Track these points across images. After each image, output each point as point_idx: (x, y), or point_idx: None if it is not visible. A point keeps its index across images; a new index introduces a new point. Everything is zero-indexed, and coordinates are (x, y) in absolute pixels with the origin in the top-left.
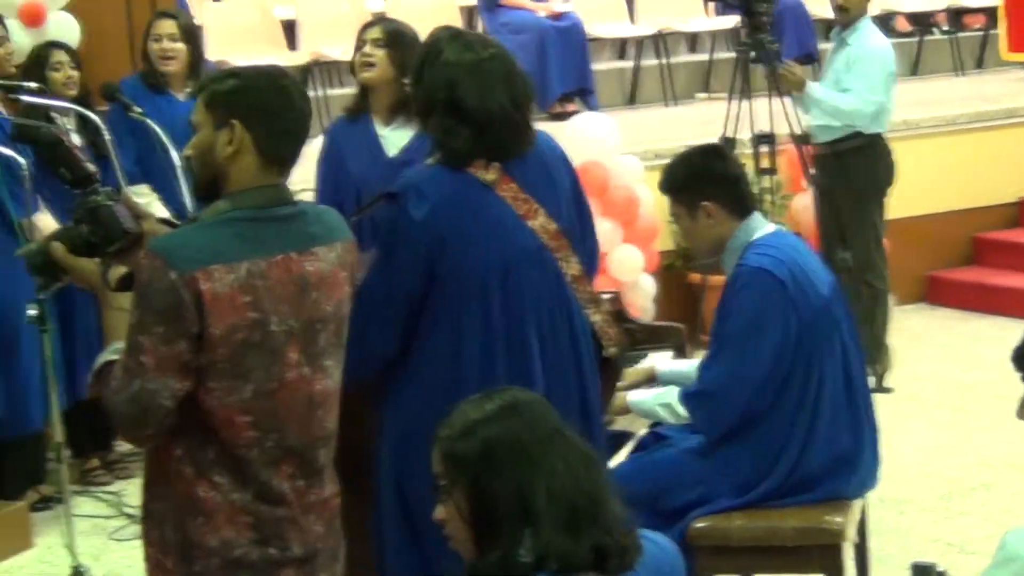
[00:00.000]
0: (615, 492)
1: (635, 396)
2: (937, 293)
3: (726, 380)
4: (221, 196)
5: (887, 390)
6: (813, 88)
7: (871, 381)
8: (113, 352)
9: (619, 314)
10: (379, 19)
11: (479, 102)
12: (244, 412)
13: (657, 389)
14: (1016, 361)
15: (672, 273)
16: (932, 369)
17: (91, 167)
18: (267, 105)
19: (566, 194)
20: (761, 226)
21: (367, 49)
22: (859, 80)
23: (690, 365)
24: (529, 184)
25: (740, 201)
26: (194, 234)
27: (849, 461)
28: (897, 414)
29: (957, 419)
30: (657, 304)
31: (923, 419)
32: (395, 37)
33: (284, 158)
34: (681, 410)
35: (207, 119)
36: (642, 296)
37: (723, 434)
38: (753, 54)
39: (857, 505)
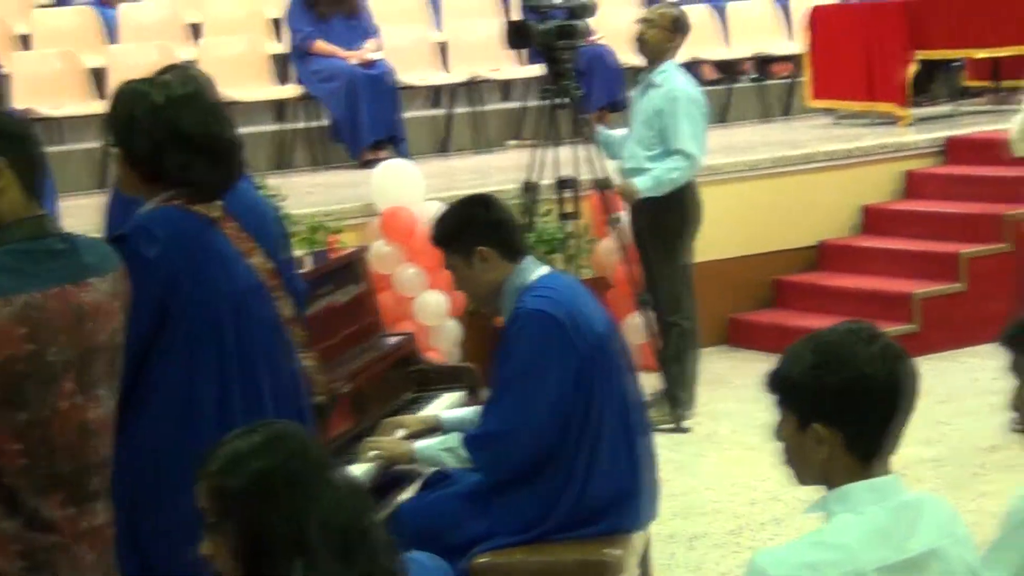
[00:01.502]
0: (379, 519)
1: (420, 444)
2: (738, 335)
3: (508, 422)
4: None
5: (686, 430)
6: (644, 183)
7: (671, 423)
8: None
9: (411, 356)
10: (173, 66)
11: (207, 130)
12: (16, 439)
13: (441, 436)
14: (768, 386)
15: (476, 317)
16: (729, 408)
17: None
18: (21, 137)
19: (278, 241)
20: (536, 268)
21: None
22: (683, 138)
23: (473, 411)
24: (246, 222)
25: (512, 245)
26: None
27: (629, 495)
28: (693, 452)
29: (750, 457)
30: (462, 348)
31: (718, 457)
32: None
33: (40, 187)
34: (464, 453)
35: None
36: (446, 341)
37: (506, 474)
38: (558, 100)
39: (638, 538)
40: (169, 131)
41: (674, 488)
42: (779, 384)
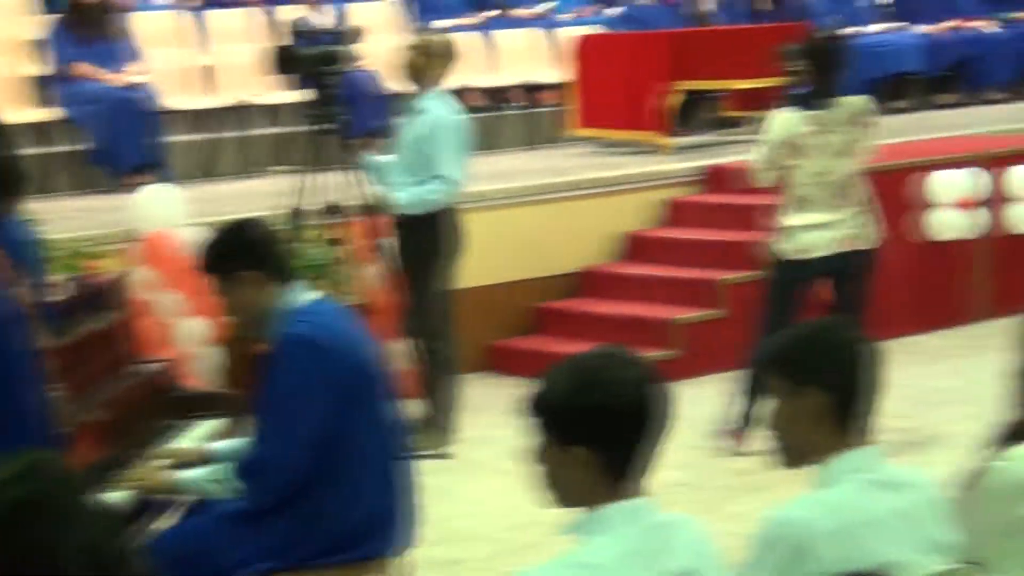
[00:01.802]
0: (135, 545)
1: (184, 474)
2: (500, 362)
3: (274, 448)
4: None
5: (447, 456)
6: (401, 199)
7: (432, 448)
8: None
9: (169, 383)
10: None
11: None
12: None
13: (207, 467)
14: (527, 409)
15: (238, 344)
16: (490, 435)
17: None
18: None
19: (36, 273)
20: (302, 293)
21: None
22: (443, 164)
23: (242, 441)
24: (10, 252)
25: (280, 269)
26: None
27: (387, 521)
28: (454, 479)
29: (511, 482)
30: (223, 375)
31: (478, 483)
32: None
33: None
34: (235, 483)
35: None
36: (207, 367)
37: (272, 500)
38: (324, 126)
39: (397, 564)
40: None
41: (434, 514)
42: (538, 407)
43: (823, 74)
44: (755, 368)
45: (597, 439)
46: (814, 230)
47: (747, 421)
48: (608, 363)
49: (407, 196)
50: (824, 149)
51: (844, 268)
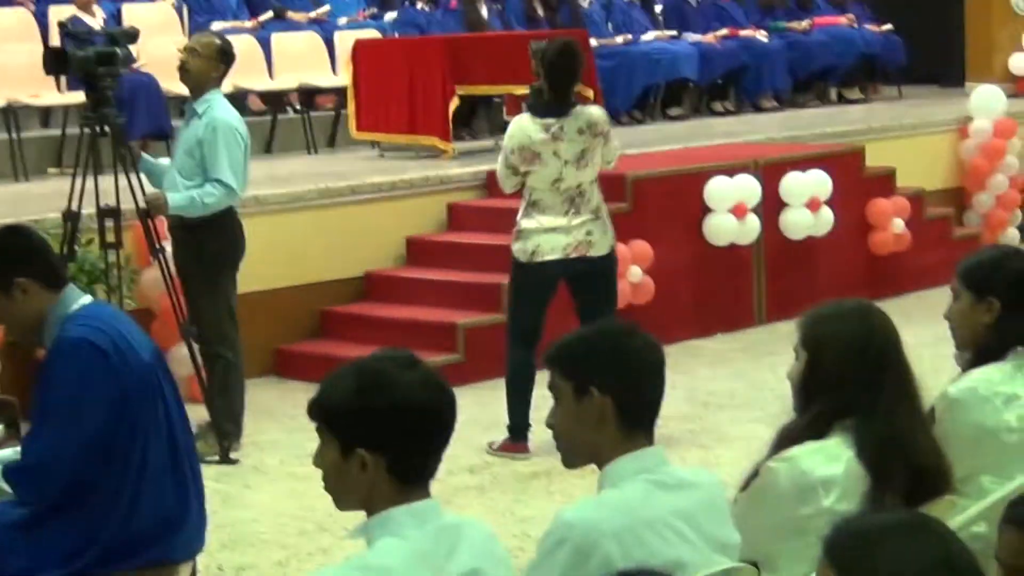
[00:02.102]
0: None
1: None
2: (286, 366)
3: (51, 452)
4: None
5: (233, 462)
6: (174, 200)
7: (217, 454)
8: None
9: None
10: None
11: None
12: None
13: None
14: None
15: (15, 348)
16: (277, 439)
17: None
18: None
19: None
20: (77, 298)
21: None
22: (222, 168)
23: (13, 451)
24: None
25: (53, 274)
26: None
27: (175, 524)
28: (241, 484)
29: (299, 487)
30: (2, 379)
31: (266, 488)
32: None
33: None
34: (4, 486)
35: None
36: None
37: (49, 506)
38: (99, 128)
39: (184, 568)
40: None
41: (222, 519)
42: (321, 410)
43: (556, 82)
44: (524, 371)
45: (381, 442)
46: (546, 234)
47: (523, 426)
48: (392, 365)
49: (183, 199)
50: (557, 156)
51: (578, 274)
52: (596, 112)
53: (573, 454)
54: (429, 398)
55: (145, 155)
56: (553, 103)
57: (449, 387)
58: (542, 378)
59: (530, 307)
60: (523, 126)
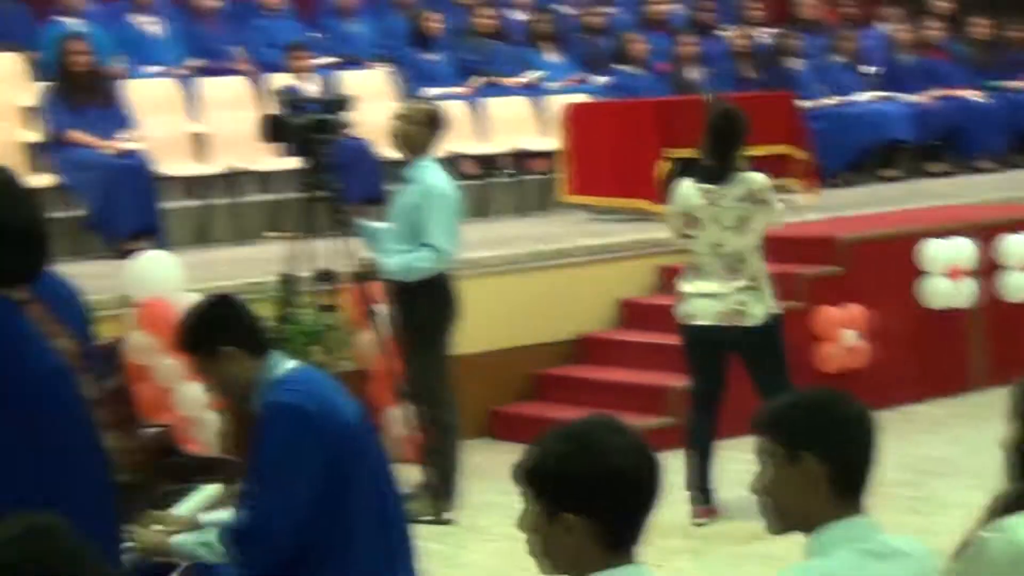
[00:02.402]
0: None
1: (179, 538)
2: (500, 428)
3: (263, 517)
4: None
5: (448, 522)
6: (388, 265)
7: (433, 515)
8: None
9: (169, 447)
10: None
11: (12, 217)
12: None
13: (198, 532)
14: (516, 476)
15: (238, 408)
16: (492, 500)
17: None
18: None
19: (81, 325)
20: (283, 363)
21: None
22: (434, 232)
23: (232, 514)
24: (52, 306)
25: (257, 341)
26: None
27: None
28: (456, 544)
29: (512, 548)
30: (225, 439)
31: (480, 549)
32: None
33: None
34: (222, 548)
35: None
36: (206, 432)
37: (263, 569)
38: (316, 193)
39: None
40: None
41: None
42: (527, 474)
43: (717, 148)
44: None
45: (587, 507)
46: (701, 299)
47: (704, 489)
48: (598, 431)
49: (397, 264)
50: (717, 222)
51: (735, 343)
52: (758, 179)
53: (781, 520)
54: (635, 464)
55: (360, 220)
56: (715, 168)
57: (654, 453)
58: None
59: (698, 370)
60: (684, 191)
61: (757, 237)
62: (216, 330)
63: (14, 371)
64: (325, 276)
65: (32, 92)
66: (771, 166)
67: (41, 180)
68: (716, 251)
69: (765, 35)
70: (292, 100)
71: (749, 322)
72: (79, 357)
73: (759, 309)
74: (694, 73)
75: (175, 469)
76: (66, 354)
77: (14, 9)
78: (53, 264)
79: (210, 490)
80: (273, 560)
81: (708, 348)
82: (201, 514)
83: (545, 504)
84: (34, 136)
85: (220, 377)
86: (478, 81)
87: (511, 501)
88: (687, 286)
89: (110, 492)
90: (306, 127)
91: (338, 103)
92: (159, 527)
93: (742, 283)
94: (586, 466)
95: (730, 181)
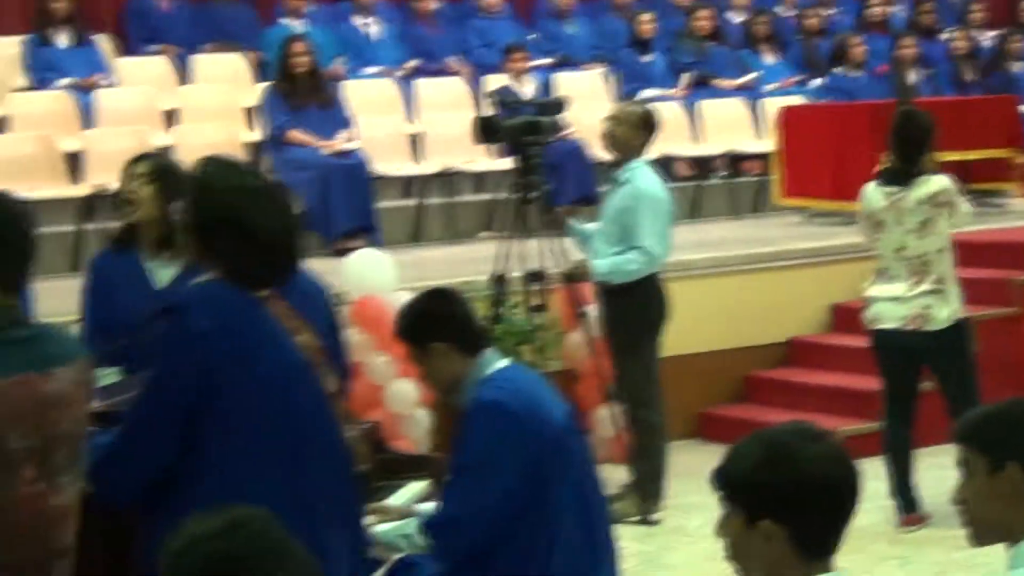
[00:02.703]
0: None
1: (379, 528)
2: (709, 429)
3: (462, 508)
4: None
5: (654, 523)
6: (598, 267)
7: (638, 515)
8: None
9: (377, 445)
10: (146, 154)
11: (267, 226)
12: None
13: (397, 522)
14: (714, 482)
15: (448, 406)
16: (698, 502)
17: None
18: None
19: (326, 318)
20: (495, 361)
21: (134, 185)
22: (644, 235)
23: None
24: (295, 302)
25: (471, 339)
26: None
27: None
28: (661, 545)
29: (717, 549)
30: (434, 436)
31: (686, 550)
32: (162, 172)
33: (18, 281)
34: (420, 540)
35: None
36: (417, 429)
37: (461, 562)
38: (527, 194)
39: None
40: (230, 217)
41: None
42: (726, 480)
43: (902, 150)
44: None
45: (786, 514)
46: (886, 303)
47: (907, 497)
48: (796, 438)
49: (607, 266)
50: (900, 225)
51: (920, 348)
52: (940, 182)
53: (983, 532)
54: (832, 472)
55: (572, 221)
56: (899, 171)
57: (852, 461)
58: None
59: (887, 375)
60: (869, 193)
61: (942, 240)
62: (431, 325)
63: (249, 369)
64: (536, 276)
65: (255, 93)
66: (990, 170)
67: None
68: (900, 254)
69: (987, 38)
70: (506, 102)
71: (933, 326)
72: (320, 352)
73: (944, 313)
74: (913, 76)
75: (383, 466)
76: (307, 349)
77: (240, 12)
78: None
79: (417, 487)
80: (464, 553)
81: (895, 352)
82: (415, 505)
83: (744, 511)
84: (256, 136)
85: (431, 370)
86: (693, 82)
87: (714, 503)
88: (873, 290)
89: (351, 483)
90: (518, 129)
91: (553, 106)
92: (375, 518)
93: (927, 286)
94: (783, 474)
95: (913, 184)
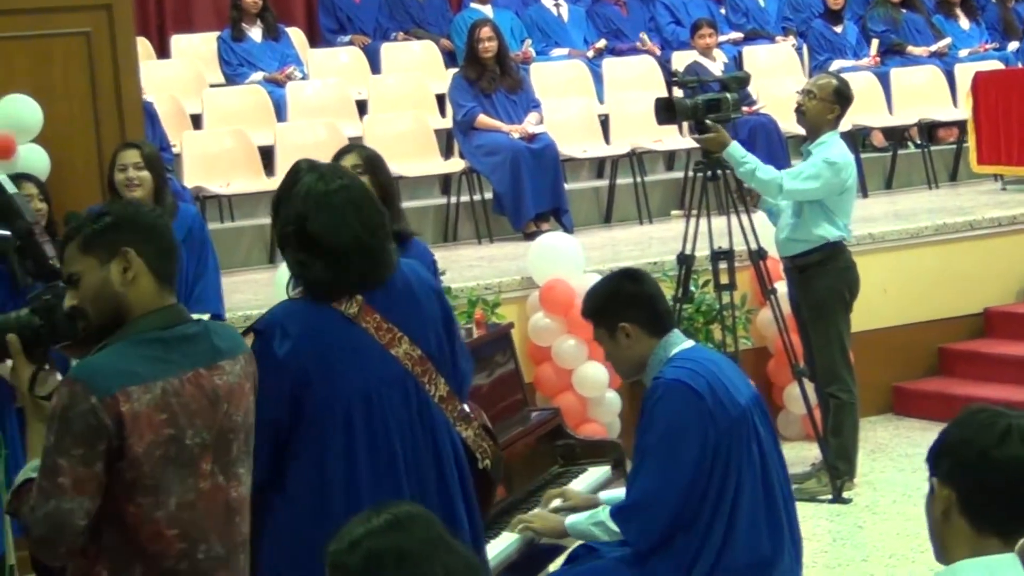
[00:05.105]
0: None
1: (572, 519)
2: (903, 404)
3: (651, 492)
4: (123, 325)
5: (846, 501)
6: (735, 148)
7: (830, 493)
8: (32, 469)
9: (558, 430)
10: (351, 146)
11: (329, 234)
12: (170, 525)
13: (591, 511)
14: (928, 460)
15: (637, 389)
16: (892, 478)
17: (56, 264)
18: (149, 227)
19: (435, 323)
20: (679, 342)
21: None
22: (832, 207)
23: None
24: (392, 313)
25: (657, 320)
26: (109, 358)
27: (767, 566)
28: (853, 523)
29: (911, 528)
30: (623, 420)
31: (877, 529)
32: (371, 163)
33: (172, 275)
34: (613, 526)
35: (89, 262)
36: (607, 412)
37: (650, 544)
38: (712, 172)
39: None
40: (296, 226)
41: (831, 560)
42: (934, 459)
43: None
44: None
45: (962, 487)
46: None
47: None
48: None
49: (796, 240)
50: None
51: None
52: None
53: None
54: (1016, 452)
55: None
56: None
57: None
58: None
59: None
60: None
61: None
62: (618, 306)
63: (333, 387)
64: (722, 255)
65: (446, 80)
66: None
67: (451, 165)
68: None
69: None
70: (685, 81)
71: None
72: (422, 360)
73: None
74: None
75: (563, 452)
76: (404, 361)
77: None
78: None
79: (597, 472)
80: (654, 536)
81: None
82: (600, 492)
83: (954, 491)
84: (444, 123)
85: (615, 351)
86: (885, 51)
87: (912, 480)
88: None
89: (450, 487)
90: (697, 108)
91: (737, 81)
92: (558, 503)
93: None
94: (982, 453)
95: None
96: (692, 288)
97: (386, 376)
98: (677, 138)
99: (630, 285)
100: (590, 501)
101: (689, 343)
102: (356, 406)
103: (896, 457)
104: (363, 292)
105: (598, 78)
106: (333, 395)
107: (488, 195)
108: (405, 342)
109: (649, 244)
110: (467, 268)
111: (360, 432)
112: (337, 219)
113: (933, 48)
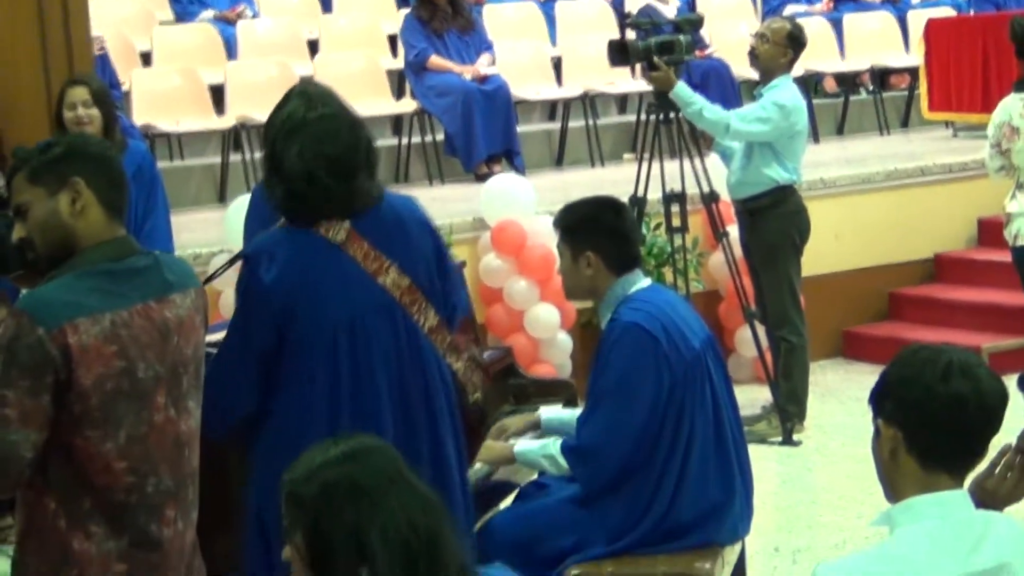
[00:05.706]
0: (456, 535)
1: (521, 447)
2: (853, 348)
3: (603, 435)
4: (72, 256)
5: (796, 443)
6: (682, 87)
7: (780, 436)
8: None
9: (510, 369)
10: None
11: (288, 161)
12: (120, 458)
13: (542, 440)
14: (870, 402)
15: (589, 330)
16: (842, 421)
17: (3, 194)
18: (98, 158)
19: (426, 257)
20: (638, 280)
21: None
22: (783, 151)
23: (571, 414)
24: (382, 242)
25: (622, 259)
26: (56, 290)
27: (719, 510)
28: (802, 466)
29: (860, 470)
30: (574, 360)
31: (826, 471)
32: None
33: (122, 208)
34: (563, 462)
35: (37, 192)
36: (559, 353)
37: (599, 486)
38: (663, 115)
39: (729, 551)
40: (268, 151)
41: (780, 501)
42: (875, 399)
43: None
44: None
45: (908, 425)
46: None
47: None
48: (945, 354)
49: (746, 183)
50: None
51: None
52: None
53: None
54: (972, 389)
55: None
56: None
57: (992, 378)
58: None
59: None
60: (1005, 103)
61: None
62: (591, 233)
63: (318, 314)
64: (674, 198)
65: (397, 20)
66: None
67: (402, 106)
68: None
69: None
70: (639, 23)
71: None
72: (410, 290)
73: None
74: None
75: (515, 391)
76: (393, 288)
77: None
78: (398, 190)
79: (551, 411)
80: (603, 479)
81: None
82: (543, 412)
83: (900, 430)
84: (396, 63)
85: (572, 273)
86: None
87: (860, 422)
88: (1012, 205)
89: (437, 417)
90: (649, 49)
91: (690, 23)
92: (504, 434)
93: None
94: (926, 390)
95: None
96: (644, 231)
97: (371, 304)
98: (630, 81)
99: (610, 216)
100: (530, 421)
101: (647, 282)
102: (341, 333)
103: (846, 400)
104: (343, 215)
105: (551, 20)
106: (318, 322)
107: (440, 136)
108: (393, 271)
109: (601, 187)
110: None
111: (344, 360)
112: (301, 147)
113: None
